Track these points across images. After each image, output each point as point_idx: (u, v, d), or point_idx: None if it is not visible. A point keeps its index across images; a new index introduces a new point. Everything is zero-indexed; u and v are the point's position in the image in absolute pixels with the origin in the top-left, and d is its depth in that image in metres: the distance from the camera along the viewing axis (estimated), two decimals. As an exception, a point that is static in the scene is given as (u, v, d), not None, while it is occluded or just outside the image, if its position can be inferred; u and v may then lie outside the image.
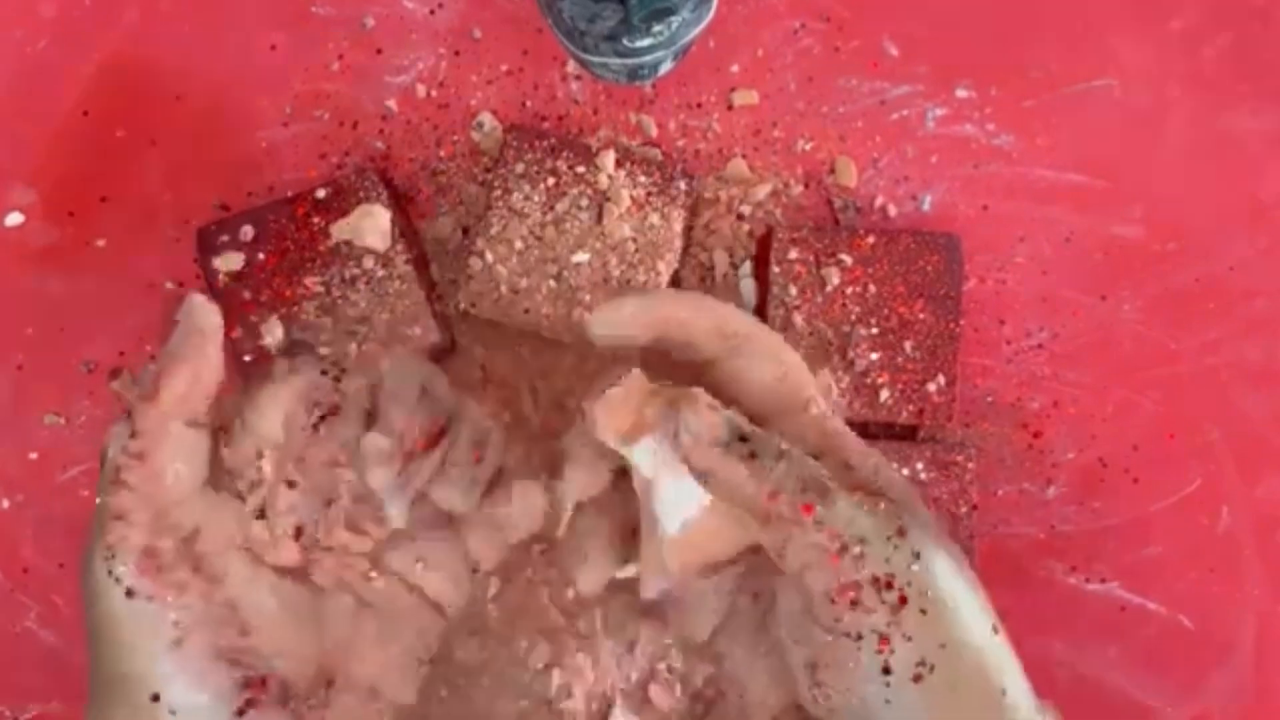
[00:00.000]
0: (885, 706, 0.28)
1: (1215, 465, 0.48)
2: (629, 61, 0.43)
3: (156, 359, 0.30)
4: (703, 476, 0.29)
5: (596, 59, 0.43)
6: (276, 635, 0.31)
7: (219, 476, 0.32)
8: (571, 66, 0.49)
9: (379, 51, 0.49)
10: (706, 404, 0.29)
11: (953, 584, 0.29)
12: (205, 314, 0.31)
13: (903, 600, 0.28)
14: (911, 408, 0.45)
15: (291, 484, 0.32)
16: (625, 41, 0.40)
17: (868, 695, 0.28)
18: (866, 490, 0.29)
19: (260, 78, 0.49)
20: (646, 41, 0.41)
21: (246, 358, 0.45)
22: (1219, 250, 0.48)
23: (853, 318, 0.46)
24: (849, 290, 0.46)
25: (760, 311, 0.47)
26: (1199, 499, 0.47)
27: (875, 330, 0.46)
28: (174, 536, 0.30)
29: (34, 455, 0.48)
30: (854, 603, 0.28)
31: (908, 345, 0.46)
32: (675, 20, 0.40)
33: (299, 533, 0.32)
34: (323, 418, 0.32)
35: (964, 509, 0.45)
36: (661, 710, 0.37)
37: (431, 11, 0.49)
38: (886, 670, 0.28)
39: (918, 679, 0.28)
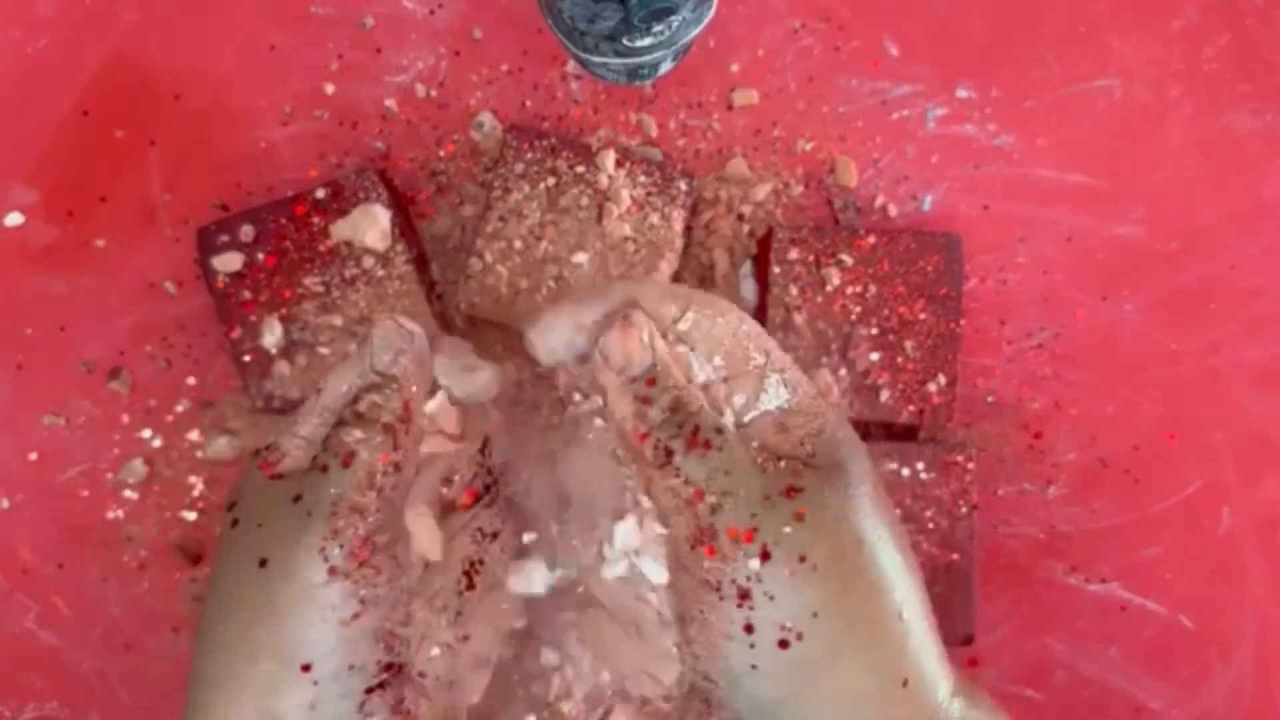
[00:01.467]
0: (752, 673, 0.28)
1: (1216, 466, 0.47)
2: (629, 61, 0.43)
3: (388, 380, 0.32)
4: (600, 393, 0.31)
5: (596, 59, 0.43)
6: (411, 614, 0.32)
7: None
8: (571, 66, 0.49)
9: (378, 51, 0.49)
10: (639, 338, 0.30)
11: (850, 558, 0.28)
12: (418, 338, 0.33)
13: (766, 554, 0.27)
14: (912, 408, 0.45)
15: None
16: (625, 41, 0.40)
17: (731, 656, 0.28)
18: (775, 455, 0.29)
19: (260, 78, 0.49)
20: (646, 41, 0.41)
21: (246, 358, 0.45)
22: (1220, 250, 0.48)
23: (853, 318, 0.46)
24: (849, 290, 0.46)
25: (760, 311, 0.47)
26: (1200, 499, 0.47)
27: (875, 330, 0.46)
28: (389, 532, 0.31)
29: (33, 455, 0.48)
30: (711, 551, 0.28)
31: (908, 345, 0.46)
32: (675, 20, 0.40)
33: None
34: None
35: (964, 509, 0.45)
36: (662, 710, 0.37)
37: (431, 11, 0.49)
38: (749, 629, 0.28)
39: (784, 645, 0.27)
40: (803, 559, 0.27)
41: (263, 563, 0.30)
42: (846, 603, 0.27)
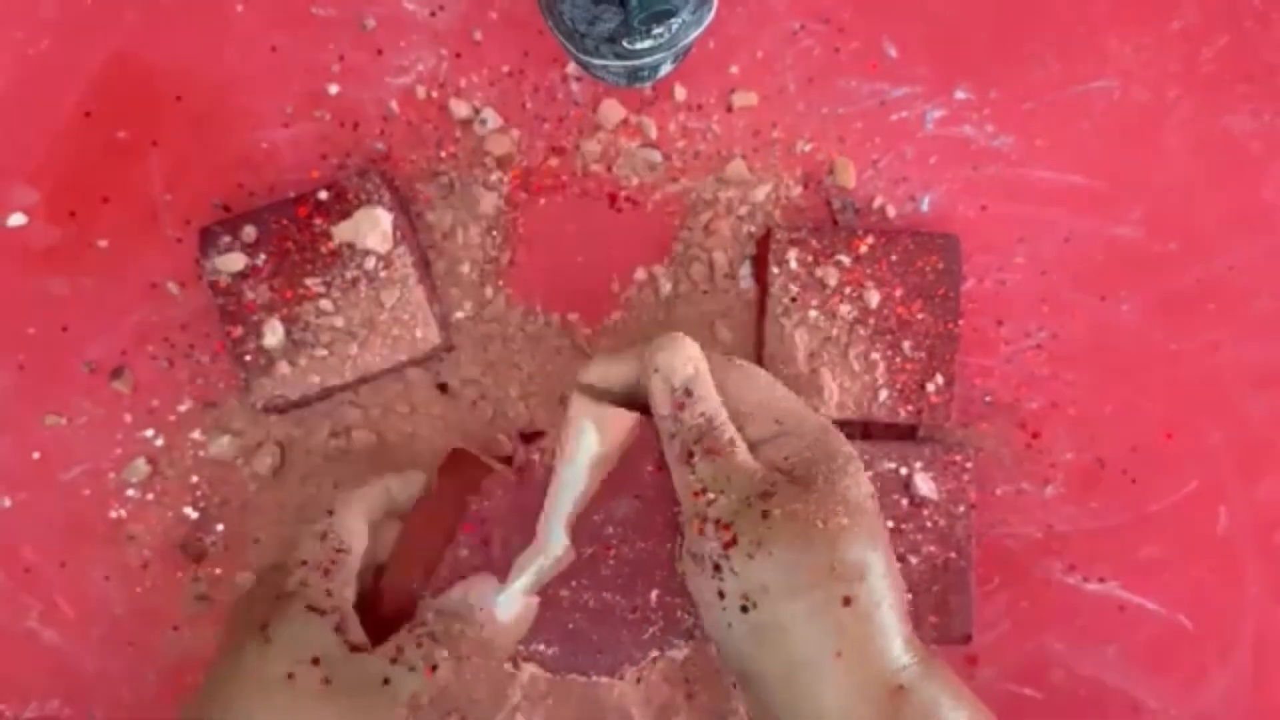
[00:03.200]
0: (729, 631, 0.35)
1: (1214, 466, 0.48)
2: (629, 63, 0.43)
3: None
4: (645, 394, 0.38)
5: (597, 61, 0.43)
6: None
7: None
8: (572, 68, 0.49)
9: (380, 53, 0.49)
10: (685, 354, 0.38)
11: (799, 550, 0.34)
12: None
13: (733, 541, 0.35)
14: (910, 408, 0.45)
15: None
16: (625, 43, 0.40)
17: (716, 619, 0.35)
18: (763, 461, 0.37)
19: (261, 78, 0.49)
20: (647, 43, 0.41)
21: (247, 358, 0.45)
22: (1219, 251, 0.48)
23: (852, 318, 0.46)
24: (848, 290, 0.46)
25: (760, 312, 0.47)
26: (1198, 499, 0.48)
27: (874, 330, 0.46)
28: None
29: (36, 455, 0.48)
30: (700, 531, 0.35)
31: (906, 345, 0.46)
32: (675, 22, 0.40)
33: None
34: None
35: (962, 509, 0.45)
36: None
37: (432, 13, 0.49)
38: (721, 595, 0.35)
39: (744, 610, 0.34)
40: (759, 544, 0.34)
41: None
42: (795, 579, 0.34)
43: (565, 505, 0.39)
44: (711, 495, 0.36)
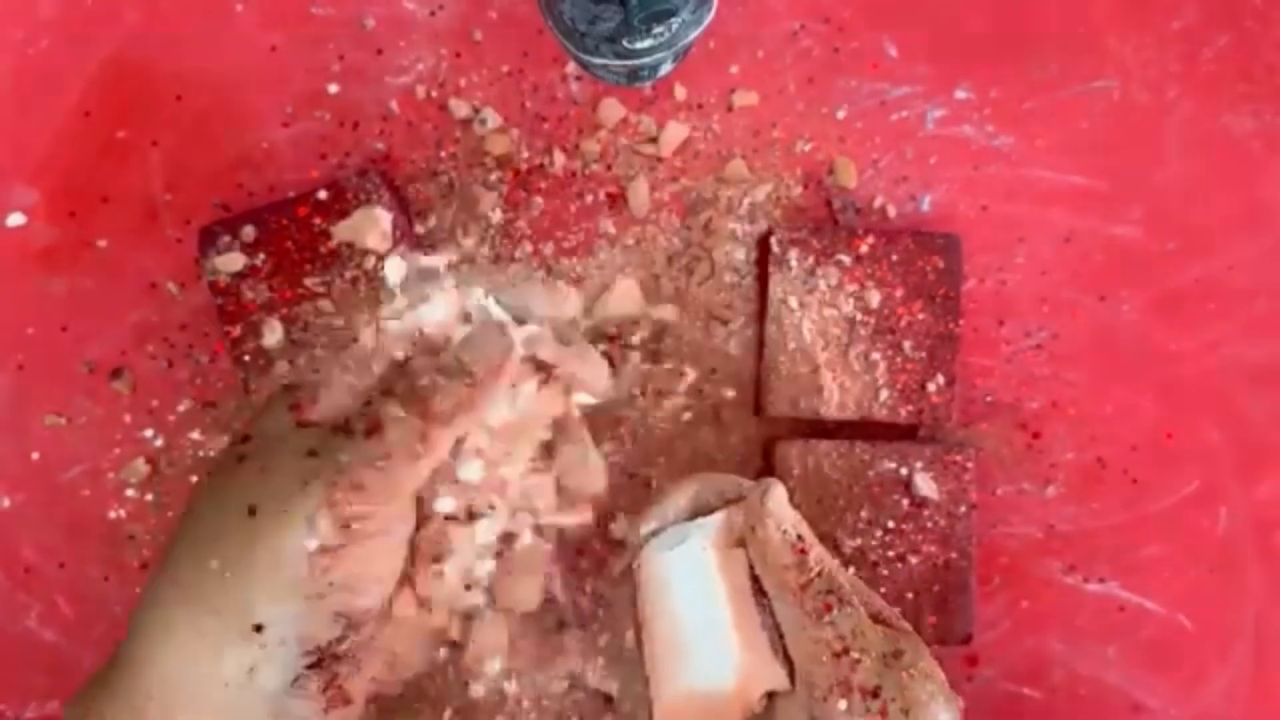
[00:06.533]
0: None
1: (1214, 466, 0.48)
2: (629, 63, 0.43)
3: (462, 370, 0.32)
4: (761, 550, 0.35)
5: (597, 60, 0.43)
6: (380, 601, 0.32)
7: None
8: (571, 68, 0.49)
9: (379, 52, 0.49)
10: (786, 498, 0.35)
11: (940, 709, 0.32)
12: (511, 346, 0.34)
13: (883, 713, 0.32)
14: (911, 407, 0.45)
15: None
16: (625, 43, 0.40)
17: None
18: (878, 617, 0.34)
19: (261, 78, 0.49)
20: (647, 43, 0.41)
21: (247, 358, 0.45)
22: (1218, 250, 0.48)
23: (852, 318, 0.46)
24: (848, 290, 0.46)
25: (760, 312, 0.47)
26: (1198, 499, 0.48)
27: (874, 330, 0.46)
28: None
29: (35, 455, 0.48)
30: (844, 701, 0.32)
31: (907, 345, 0.46)
32: (675, 21, 0.40)
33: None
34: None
35: (963, 509, 0.45)
36: None
37: (432, 13, 0.49)
38: None
39: None
40: (906, 712, 0.32)
41: (251, 511, 0.29)
42: None
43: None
44: (856, 655, 0.32)
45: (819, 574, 0.34)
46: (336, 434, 0.30)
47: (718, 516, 0.36)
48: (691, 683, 0.34)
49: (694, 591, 0.35)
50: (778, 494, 0.35)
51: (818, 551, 0.34)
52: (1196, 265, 0.48)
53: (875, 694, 0.32)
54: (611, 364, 0.38)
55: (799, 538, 0.34)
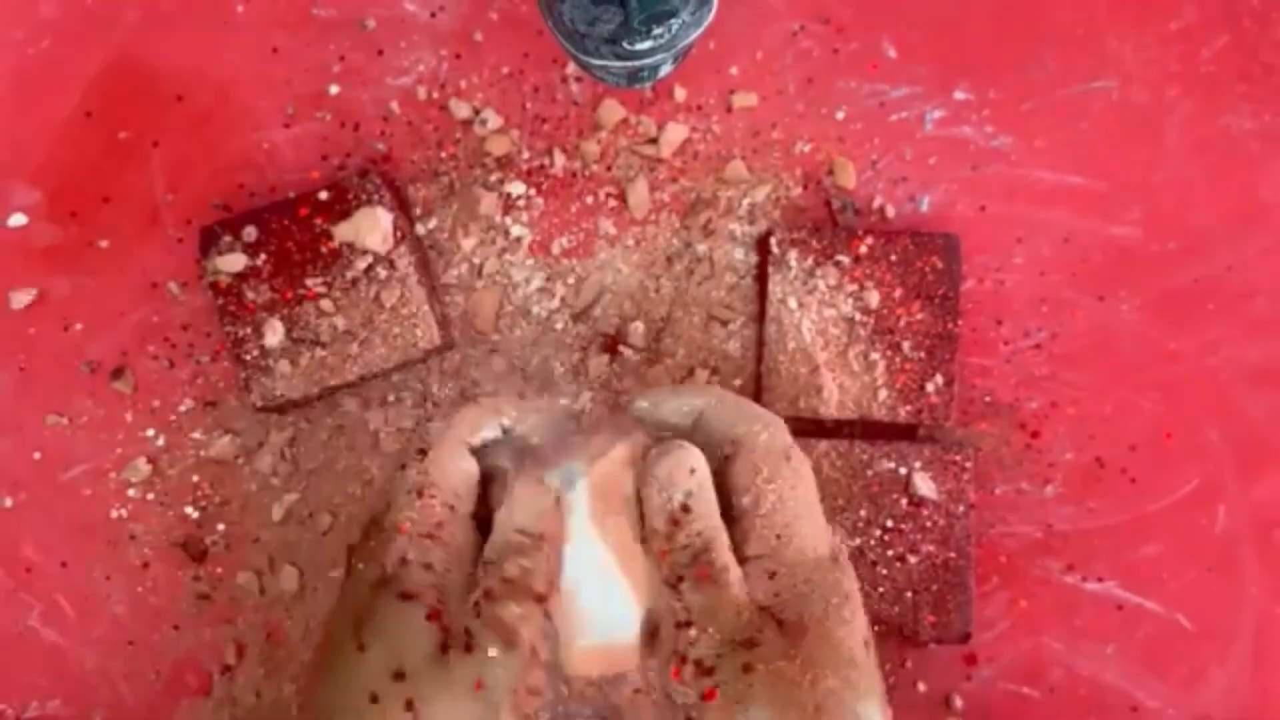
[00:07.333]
0: None
1: (1213, 465, 0.48)
2: (629, 64, 0.43)
3: (534, 541, 0.33)
4: (637, 503, 0.34)
5: (597, 61, 0.43)
6: None
7: None
8: (571, 69, 0.49)
9: (380, 53, 0.49)
10: (688, 464, 0.33)
11: (778, 712, 0.30)
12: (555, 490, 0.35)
13: (710, 694, 0.30)
14: (910, 407, 0.45)
15: None
16: (625, 44, 0.41)
17: None
18: (753, 602, 0.32)
19: (262, 79, 0.49)
20: (646, 44, 0.41)
21: (248, 357, 0.45)
22: (1218, 250, 0.48)
23: (851, 318, 0.46)
24: (848, 290, 0.46)
25: (760, 312, 0.47)
26: (1197, 499, 0.48)
27: (874, 330, 0.46)
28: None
29: (37, 455, 0.48)
30: (677, 674, 0.31)
31: (906, 345, 0.46)
32: (675, 23, 0.40)
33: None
34: None
35: (962, 508, 0.45)
36: None
37: (432, 14, 0.49)
38: None
39: None
40: (738, 700, 0.30)
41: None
42: None
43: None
44: (695, 631, 0.32)
45: (686, 548, 0.33)
46: (476, 656, 0.31)
47: (595, 471, 0.35)
48: (596, 638, 0.34)
49: (584, 558, 0.35)
50: (673, 460, 0.34)
51: (701, 526, 0.33)
52: (1196, 265, 0.48)
53: (709, 673, 0.31)
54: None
55: (684, 509, 0.33)
